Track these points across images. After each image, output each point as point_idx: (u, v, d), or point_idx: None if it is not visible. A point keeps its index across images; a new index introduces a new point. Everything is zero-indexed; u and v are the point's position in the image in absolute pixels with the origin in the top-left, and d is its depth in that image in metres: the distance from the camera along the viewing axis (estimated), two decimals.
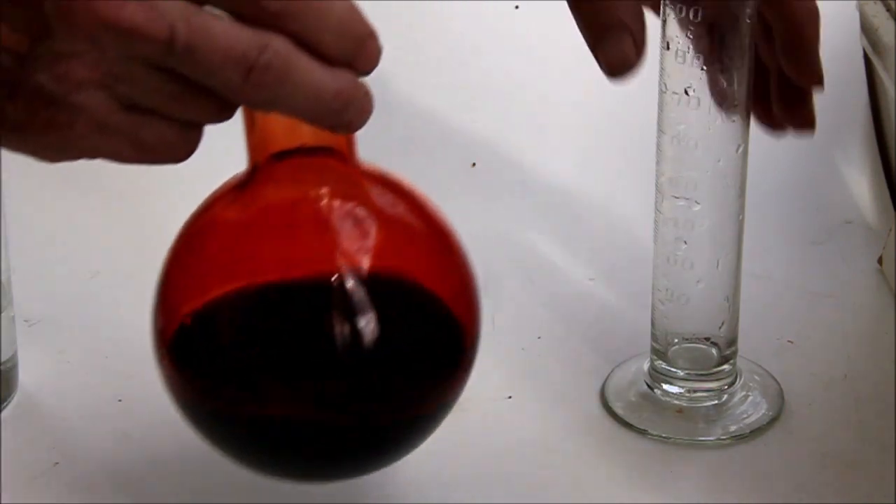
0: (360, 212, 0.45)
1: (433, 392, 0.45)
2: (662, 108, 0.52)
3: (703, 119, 0.51)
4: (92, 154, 0.39)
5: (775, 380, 0.57)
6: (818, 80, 0.53)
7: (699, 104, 0.51)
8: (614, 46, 0.47)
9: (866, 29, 0.68)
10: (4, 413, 0.55)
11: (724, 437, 0.54)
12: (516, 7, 0.73)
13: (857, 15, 0.69)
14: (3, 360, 0.56)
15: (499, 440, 0.55)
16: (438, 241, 0.46)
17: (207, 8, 0.37)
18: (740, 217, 0.54)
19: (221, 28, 0.37)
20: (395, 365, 0.44)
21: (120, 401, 0.56)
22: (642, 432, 0.55)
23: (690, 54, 0.50)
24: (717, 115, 0.51)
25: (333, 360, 0.43)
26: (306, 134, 0.43)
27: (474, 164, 0.71)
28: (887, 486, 0.51)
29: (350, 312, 0.42)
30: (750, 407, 0.56)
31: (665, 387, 0.56)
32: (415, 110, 0.72)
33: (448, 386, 0.46)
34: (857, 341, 0.61)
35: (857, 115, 0.73)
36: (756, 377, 0.58)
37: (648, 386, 0.56)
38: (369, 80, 0.40)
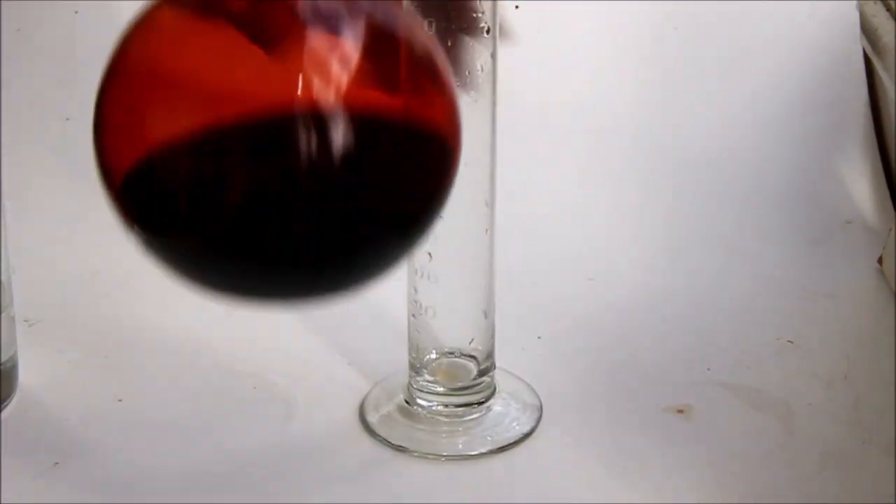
0: (331, 15, 0.38)
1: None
2: None
3: None
4: None
5: (534, 391, 0.56)
6: None
7: None
8: None
9: (866, 29, 0.68)
10: (4, 413, 0.55)
11: (476, 452, 0.52)
12: (516, 7, 0.73)
13: (857, 15, 0.69)
14: (3, 360, 0.56)
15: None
16: (419, 52, 0.40)
17: None
18: (489, 230, 0.52)
19: None
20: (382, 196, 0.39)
21: (120, 401, 0.56)
22: (399, 448, 0.53)
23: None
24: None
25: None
26: None
27: None
28: (887, 486, 0.51)
29: (325, 145, 0.37)
30: (506, 420, 0.54)
31: (421, 401, 0.54)
32: None
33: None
34: (857, 341, 0.61)
35: (857, 115, 0.73)
36: (514, 390, 0.56)
37: (406, 401, 0.55)
38: None
